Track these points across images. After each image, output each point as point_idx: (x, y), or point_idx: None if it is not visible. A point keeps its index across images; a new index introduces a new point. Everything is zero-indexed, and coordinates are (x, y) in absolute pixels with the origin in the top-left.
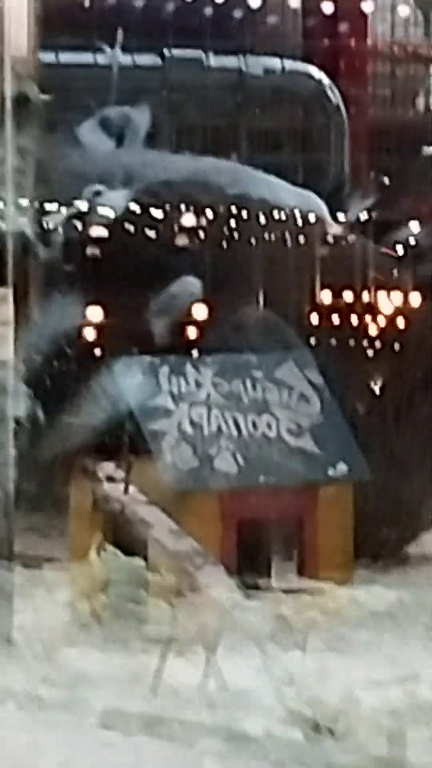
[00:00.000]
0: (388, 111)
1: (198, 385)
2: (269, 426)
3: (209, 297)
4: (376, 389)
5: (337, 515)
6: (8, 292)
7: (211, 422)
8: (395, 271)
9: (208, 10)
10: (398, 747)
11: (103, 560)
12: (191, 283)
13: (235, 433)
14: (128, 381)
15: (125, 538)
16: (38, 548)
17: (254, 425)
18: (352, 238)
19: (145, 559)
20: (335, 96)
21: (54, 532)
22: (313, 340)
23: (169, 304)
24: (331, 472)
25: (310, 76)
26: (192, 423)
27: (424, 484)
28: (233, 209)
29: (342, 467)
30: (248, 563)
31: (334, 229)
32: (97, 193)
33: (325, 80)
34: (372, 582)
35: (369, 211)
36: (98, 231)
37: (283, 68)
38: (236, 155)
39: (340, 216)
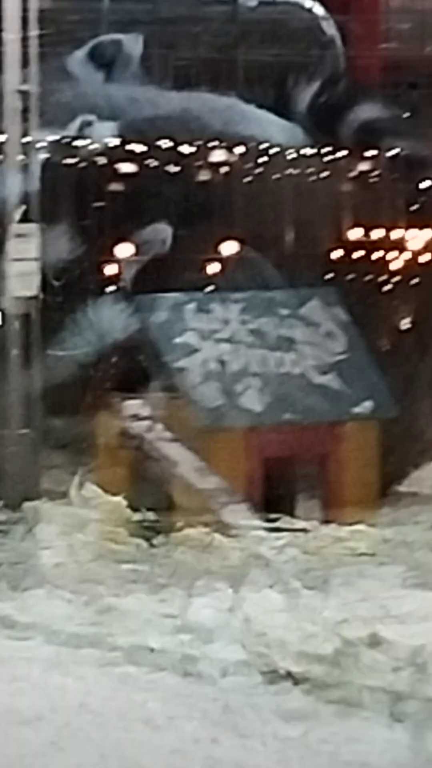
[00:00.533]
0: (411, 45)
1: (224, 322)
2: (295, 363)
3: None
4: (402, 326)
5: (363, 452)
6: (33, 227)
7: (236, 359)
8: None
9: None
10: None
11: (84, 498)
12: (163, 230)
13: (260, 370)
14: (153, 318)
15: (150, 475)
16: (66, 485)
17: (280, 362)
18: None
19: (171, 496)
20: (330, 28)
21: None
22: (335, 277)
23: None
24: (356, 409)
25: (303, 8)
26: (218, 360)
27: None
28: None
29: (367, 404)
30: (273, 501)
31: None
32: (88, 123)
33: (319, 12)
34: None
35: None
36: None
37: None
38: (229, 89)
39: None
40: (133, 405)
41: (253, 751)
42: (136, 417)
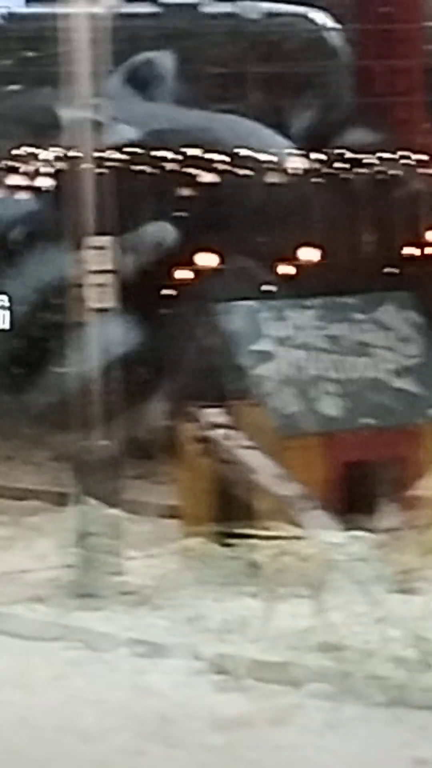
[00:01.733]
0: None
1: (299, 328)
2: (371, 367)
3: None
4: None
5: None
6: (109, 239)
7: (312, 365)
8: None
9: None
10: None
11: (82, 511)
12: (166, 230)
13: (336, 375)
14: (230, 326)
15: (230, 483)
16: (148, 495)
17: (356, 367)
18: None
19: (250, 503)
20: (334, 39)
21: (164, 478)
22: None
23: (138, 244)
24: None
25: (308, 19)
26: (294, 367)
27: None
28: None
29: None
30: (352, 505)
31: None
32: (114, 119)
33: (324, 23)
34: None
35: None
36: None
37: (281, 12)
38: (235, 101)
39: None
40: (211, 413)
41: None
42: (215, 425)
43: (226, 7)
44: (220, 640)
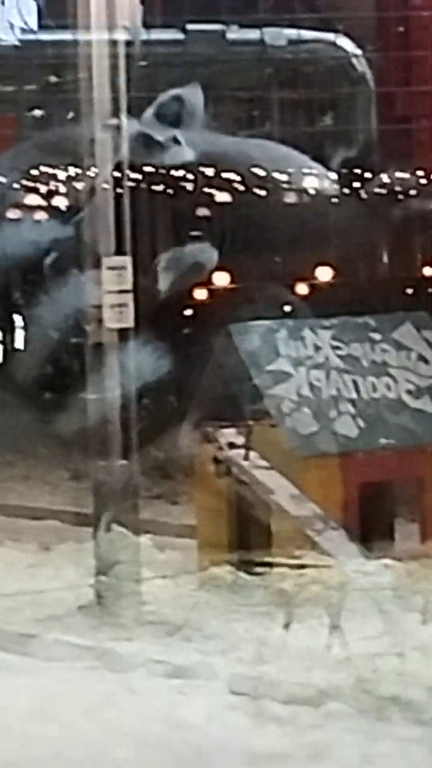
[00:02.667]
0: None
1: (316, 348)
2: (388, 388)
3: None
4: None
5: None
6: (127, 260)
7: (330, 385)
8: None
9: None
10: None
11: (111, 539)
12: (207, 250)
13: (354, 395)
14: (246, 346)
15: (247, 503)
16: (167, 516)
17: (373, 387)
18: None
19: (268, 524)
20: (361, 65)
21: (182, 498)
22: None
23: (178, 261)
24: None
25: (335, 46)
26: (311, 387)
27: None
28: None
29: None
30: (370, 526)
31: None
32: (176, 141)
33: (350, 49)
34: None
35: None
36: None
37: (307, 39)
38: (262, 127)
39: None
40: (228, 433)
41: None
42: (232, 445)
43: (252, 34)
44: (254, 670)
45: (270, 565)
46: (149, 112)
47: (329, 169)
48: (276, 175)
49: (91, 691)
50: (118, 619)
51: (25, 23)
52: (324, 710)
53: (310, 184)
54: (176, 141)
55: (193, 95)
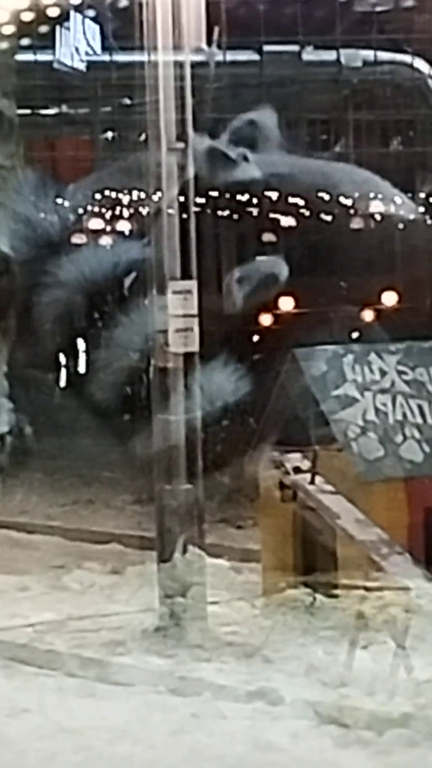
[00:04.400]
0: None
1: (382, 373)
2: None
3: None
4: None
5: None
6: (193, 284)
7: (396, 410)
8: None
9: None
10: None
11: (188, 561)
12: (279, 264)
13: (420, 420)
14: (313, 371)
15: (312, 528)
16: (232, 540)
17: None
18: None
19: (333, 549)
20: None
21: (247, 523)
22: None
23: (250, 276)
24: None
25: (411, 67)
26: (377, 411)
27: None
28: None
29: None
30: None
31: None
32: (245, 158)
33: (426, 70)
34: None
35: None
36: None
37: (383, 60)
38: (337, 149)
39: None
40: (293, 458)
41: None
42: (297, 470)
43: (328, 55)
44: (337, 693)
45: (344, 587)
46: (224, 137)
47: (407, 192)
48: (357, 199)
49: (175, 714)
50: (196, 641)
51: (91, 48)
52: (409, 732)
53: (393, 209)
54: (245, 158)
55: (268, 118)
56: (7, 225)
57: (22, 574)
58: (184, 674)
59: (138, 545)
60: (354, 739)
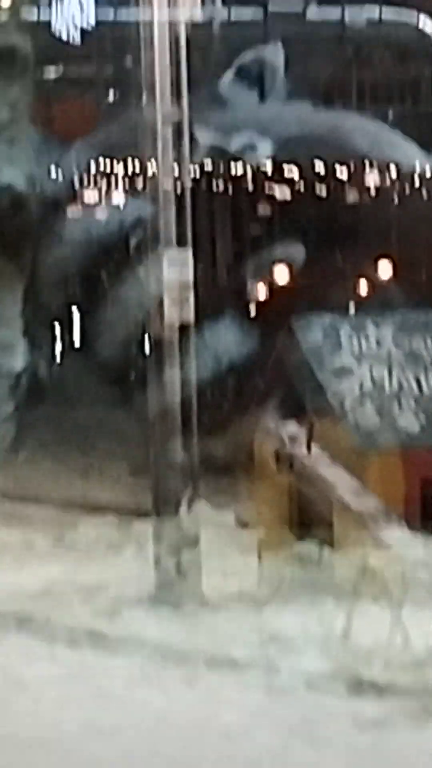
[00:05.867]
0: None
1: (379, 343)
2: None
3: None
4: None
5: None
6: (188, 253)
7: (392, 381)
8: None
9: None
10: None
11: (193, 515)
12: (296, 249)
13: (416, 391)
14: (310, 340)
15: (308, 497)
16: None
17: None
18: None
19: (330, 518)
20: None
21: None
22: None
23: (266, 264)
24: None
25: (414, 26)
26: (374, 382)
27: None
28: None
29: None
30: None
31: None
32: (252, 148)
33: (430, 29)
34: None
35: None
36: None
37: (386, 18)
38: (341, 108)
39: None
40: (290, 428)
41: None
42: (294, 440)
43: (332, 14)
44: (349, 641)
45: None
46: (229, 73)
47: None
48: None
49: (191, 658)
50: (206, 594)
51: (87, 21)
52: (421, 677)
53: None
54: (252, 148)
55: (275, 55)
56: (23, 162)
57: None
58: (197, 623)
59: (135, 513)
60: (369, 688)
